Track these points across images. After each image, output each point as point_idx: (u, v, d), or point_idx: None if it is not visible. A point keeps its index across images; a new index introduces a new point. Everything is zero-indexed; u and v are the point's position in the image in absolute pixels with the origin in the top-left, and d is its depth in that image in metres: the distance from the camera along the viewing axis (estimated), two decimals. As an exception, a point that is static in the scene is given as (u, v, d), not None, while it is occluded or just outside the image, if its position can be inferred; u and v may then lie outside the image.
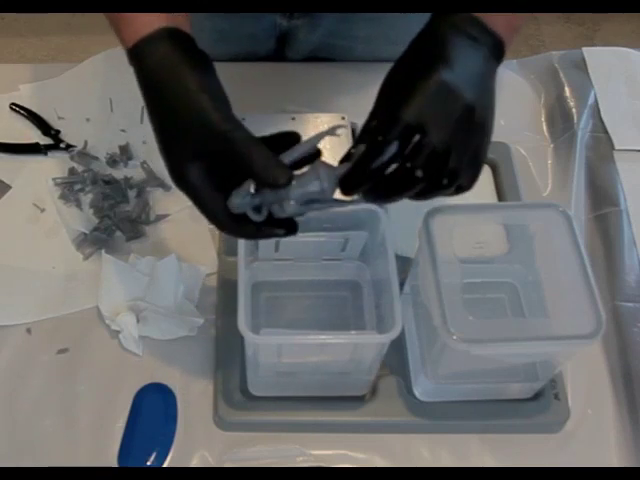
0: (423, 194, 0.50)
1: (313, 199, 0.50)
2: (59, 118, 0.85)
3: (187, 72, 0.49)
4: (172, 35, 0.50)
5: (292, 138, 0.51)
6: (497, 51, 0.52)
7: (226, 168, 0.49)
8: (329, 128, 0.51)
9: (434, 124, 0.48)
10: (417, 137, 0.48)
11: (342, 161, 0.51)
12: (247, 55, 0.88)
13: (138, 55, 0.51)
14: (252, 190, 0.50)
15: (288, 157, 0.50)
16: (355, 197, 0.51)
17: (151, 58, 0.50)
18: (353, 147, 0.50)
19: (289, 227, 0.52)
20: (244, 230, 0.52)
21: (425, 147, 0.48)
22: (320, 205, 0.51)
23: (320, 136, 0.51)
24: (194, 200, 0.51)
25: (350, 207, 0.53)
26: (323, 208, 0.51)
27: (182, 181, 0.50)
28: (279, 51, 0.91)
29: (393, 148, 0.48)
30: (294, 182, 0.49)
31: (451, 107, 0.48)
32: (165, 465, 0.63)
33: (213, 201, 0.50)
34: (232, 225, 0.51)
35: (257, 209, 0.51)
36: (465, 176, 0.51)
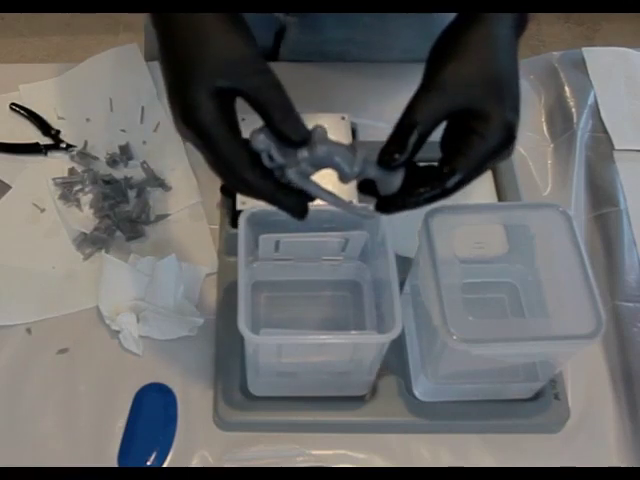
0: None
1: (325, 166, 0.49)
2: (59, 118, 0.85)
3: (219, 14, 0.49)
4: None
5: None
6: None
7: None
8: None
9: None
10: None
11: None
12: None
13: None
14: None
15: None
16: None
17: None
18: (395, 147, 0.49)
19: (300, 204, 0.50)
20: (263, 182, 0.48)
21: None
22: (319, 191, 0.49)
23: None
24: (210, 141, 0.47)
25: (344, 209, 0.51)
26: (320, 195, 0.49)
27: (198, 118, 0.47)
28: (275, 50, 0.91)
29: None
30: (325, 146, 0.47)
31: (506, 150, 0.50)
32: (165, 465, 0.63)
33: (232, 139, 0.48)
34: (254, 171, 0.48)
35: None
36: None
